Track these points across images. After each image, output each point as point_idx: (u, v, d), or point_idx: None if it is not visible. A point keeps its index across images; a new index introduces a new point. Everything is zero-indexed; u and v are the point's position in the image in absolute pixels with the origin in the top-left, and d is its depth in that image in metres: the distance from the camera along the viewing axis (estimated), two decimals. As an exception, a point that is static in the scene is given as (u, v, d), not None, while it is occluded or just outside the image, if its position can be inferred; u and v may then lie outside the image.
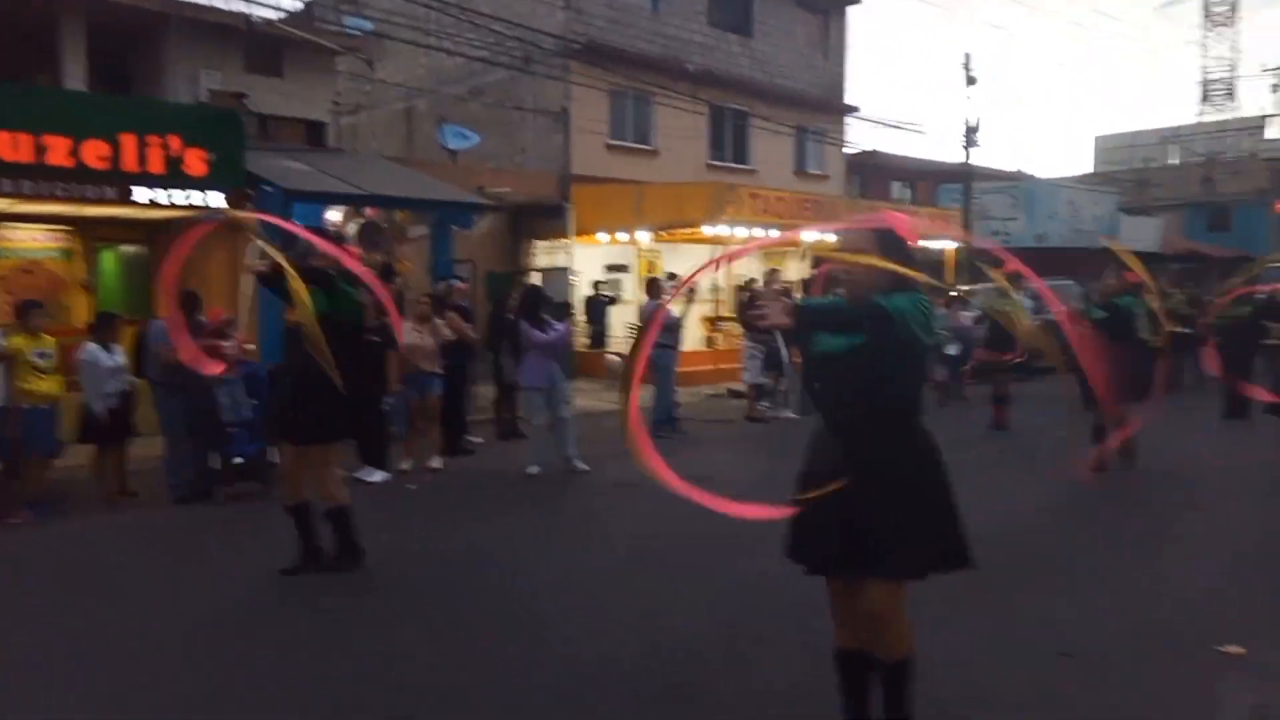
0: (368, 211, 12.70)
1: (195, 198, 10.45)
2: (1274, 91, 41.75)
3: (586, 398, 13.16)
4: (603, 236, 17.06)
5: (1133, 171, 40.50)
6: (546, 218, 17.09)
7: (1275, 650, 4.05)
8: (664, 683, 3.87)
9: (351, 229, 12.47)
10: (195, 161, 10.54)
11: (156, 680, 4.02)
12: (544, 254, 17.36)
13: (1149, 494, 7.40)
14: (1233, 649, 4.05)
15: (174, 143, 10.39)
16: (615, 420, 11.97)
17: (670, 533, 6.49)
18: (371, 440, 8.46)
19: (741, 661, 4.11)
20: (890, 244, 2.98)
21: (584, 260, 17.13)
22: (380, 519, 6.75)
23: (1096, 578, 5.20)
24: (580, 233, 16.87)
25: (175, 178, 10.32)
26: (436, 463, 8.85)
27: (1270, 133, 40.61)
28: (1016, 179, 29.88)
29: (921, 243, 20.58)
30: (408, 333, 8.69)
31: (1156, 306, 13.26)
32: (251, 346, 9.21)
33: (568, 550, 6.08)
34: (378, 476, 8.28)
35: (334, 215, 12.48)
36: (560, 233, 16.92)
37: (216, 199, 10.53)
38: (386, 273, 12.97)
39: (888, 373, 2.91)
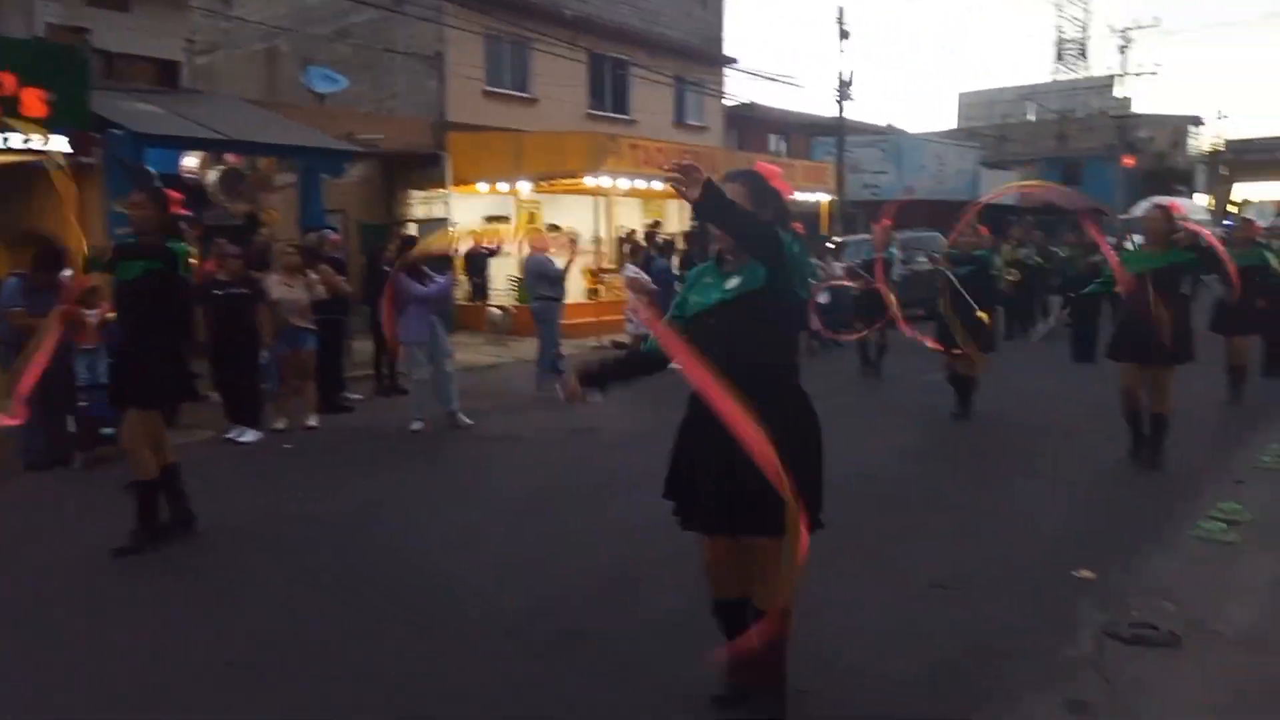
0: (228, 158, 11.98)
1: (35, 141, 9.65)
2: (1121, 52, 44.15)
3: (468, 351, 12.96)
4: (482, 186, 16.69)
5: (993, 127, 42.27)
6: (422, 167, 16.58)
7: (1123, 573, 4.38)
8: (555, 629, 3.89)
9: (211, 177, 11.78)
10: (34, 102, 9.74)
11: None
12: (420, 204, 16.86)
13: (1005, 435, 7.84)
14: (1085, 573, 4.36)
15: (8, 81, 9.55)
16: (497, 374, 11.99)
17: (554, 484, 6.51)
18: (242, 398, 8.10)
19: (629, 603, 4.17)
20: (761, 194, 2.96)
21: (462, 211, 16.73)
22: (255, 480, 6.51)
23: (960, 514, 5.48)
24: (458, 182, 16.46)
25: (11, 119, 9.50)
26: (313, 420, 8.55)
27: (1118, 91, 42.96)
28: (887, 134, 30.76)
29: (795, 195, 21.00)
30: (276, 286, 8.32)
31: (1009, 258, 14.11)
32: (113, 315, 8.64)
33: (453, 505, 6.01)
34: (250, 436, 7.96)
35: (191, 161, 11.74)
36: (437, 182, 16.46)
37: (59, 142, 9.76)
38: (251, 223, 12.42)
39: (769, 323, 2.91)
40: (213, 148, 11.64)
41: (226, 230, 11.45)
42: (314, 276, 8.76)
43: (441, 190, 16.35)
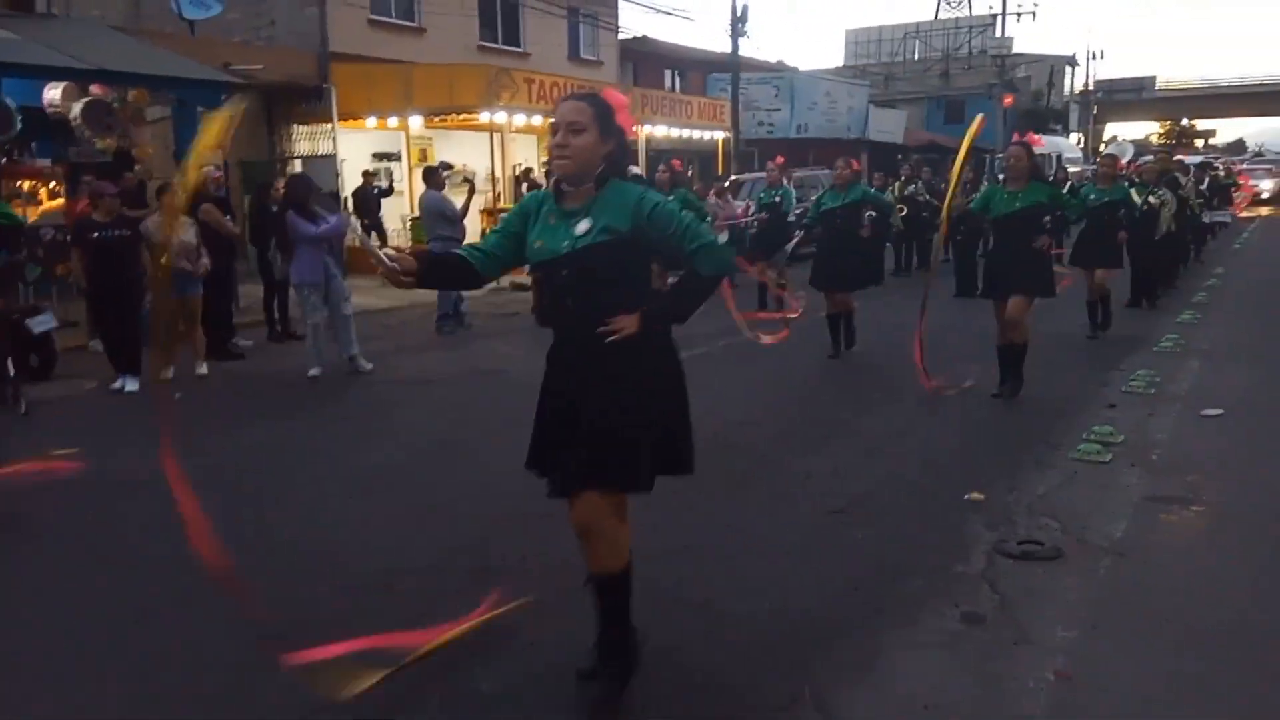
0: (94, 89, 11.19)
1: None
2: (1001, -8, 45.14)
3: (363, 295, 12.60)
4: (370, 121, 16.08)
5: (881, 66, 42.95)
6: (305, 100, 15.82)
7: (1009, 494, 4.66)
8: (463, 569, 3.91)
9: (76, 110, 11.00)
10: None
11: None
12: (304, 140, 16.14)
13: (892, 368, 8.14)
14: (975, 495, 4.63)
15: None
16: (395, 318, 11.75)
17: (459, 426, 6.48)
18: (126, 346, 7.73)
19: (535, 541, 4.21)
20: (607, 121, 2.73)
21: (350, 147, 16.09)
22: (137, 430, 6.24)
23: (854, 444, 5.71)
24: (344, 117, 15.79)
25: None
26: (202, 369, 8.22)
27: (999, 31, 44.13)
28: (780, 71, 30.91)
29: (691, 132, 20.98)
30: (156, 227, 7.90)
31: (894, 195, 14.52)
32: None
33: (355, 451, 5.91)
34: (133, 385, 7.62)
35: (53, 93, 10.93)
36: (322, 117, 15.76)
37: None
38: (123, 160, 11.69)
39: (628, 272, 2.74)
40: (77, 78, 10.84)
41: (95, 168, 10.77)
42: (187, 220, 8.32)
43: (327, 125, 15.67)
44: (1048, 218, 6.60)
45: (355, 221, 11.07)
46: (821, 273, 8.41)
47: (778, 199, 11.19)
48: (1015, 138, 6.87)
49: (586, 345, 2.72)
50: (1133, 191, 10.27)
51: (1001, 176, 7.08)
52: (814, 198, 12.67)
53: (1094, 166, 14.92)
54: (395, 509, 4.75)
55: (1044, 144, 8.10)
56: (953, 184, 7.06)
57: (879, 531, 4.25)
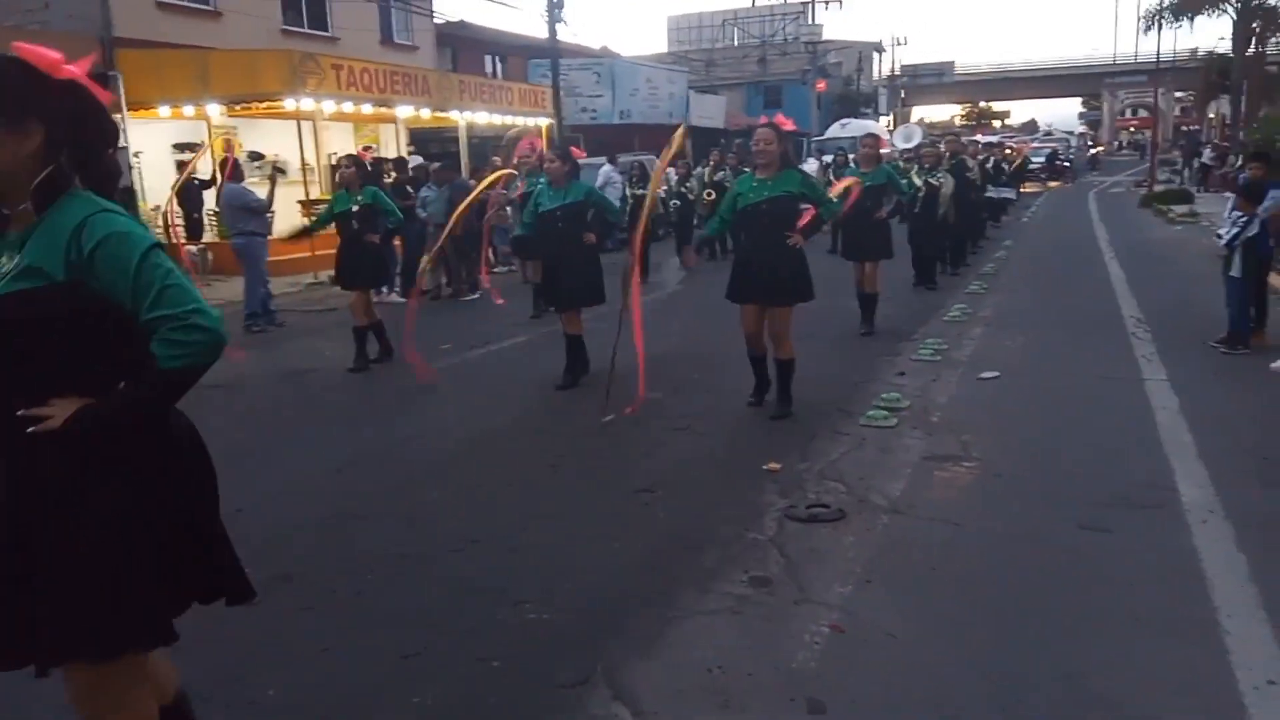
0: None
1: None
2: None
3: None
4: (163, 110, 15.09)
5: (701, 52, 43.91)
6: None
7: (802, 461, 4.93)
8: (269, 574, 3.77)
9: None
10: None
11: None
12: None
13: (699, 351, 8.40)
14: (772, 465, 4.86)
15: None
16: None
17: (265, 428, 6.24)
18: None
19: (341, 541, 4.14)
20: (26, 99, 1.82)
21: (145, 138, 15.05)
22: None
23: (658, 427, 5.87)
24: (133, 106, 14.75)
25: None
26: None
27: (810, 18, 45.98)
28: (601, 57, 31.08)
29: (513, 118, 20.80)
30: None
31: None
32: None
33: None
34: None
35: None
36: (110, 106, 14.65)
37: None
38: None
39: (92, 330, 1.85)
40: None
41: None
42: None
43: (115, 116, 14.57)
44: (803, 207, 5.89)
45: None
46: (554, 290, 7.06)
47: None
48: (762, 120, 5.91)
49: (9, 444, 1.85)
50: (913, 174, 10.79)
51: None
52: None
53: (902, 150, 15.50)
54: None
55: (793, 125, 7.73)
56: (653, 185, 7.01)
57: (680, 508, 4.40)
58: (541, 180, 7.47)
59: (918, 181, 10.62)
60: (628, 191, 13.62)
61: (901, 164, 16.89)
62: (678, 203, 15.06)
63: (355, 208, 7.85)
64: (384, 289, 10.67)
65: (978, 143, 17.12)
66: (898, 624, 3.22)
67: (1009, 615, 3.26)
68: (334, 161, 16.98)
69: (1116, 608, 3.29)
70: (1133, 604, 3.31)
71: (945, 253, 12.13)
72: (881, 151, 9.30)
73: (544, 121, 22.33)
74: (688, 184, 15.19)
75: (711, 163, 15.91)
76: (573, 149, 7.48)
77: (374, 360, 7.82)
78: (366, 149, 17.52)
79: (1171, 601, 3.33)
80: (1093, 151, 47.21)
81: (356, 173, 8.02)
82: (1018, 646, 3.05)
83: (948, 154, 12.33)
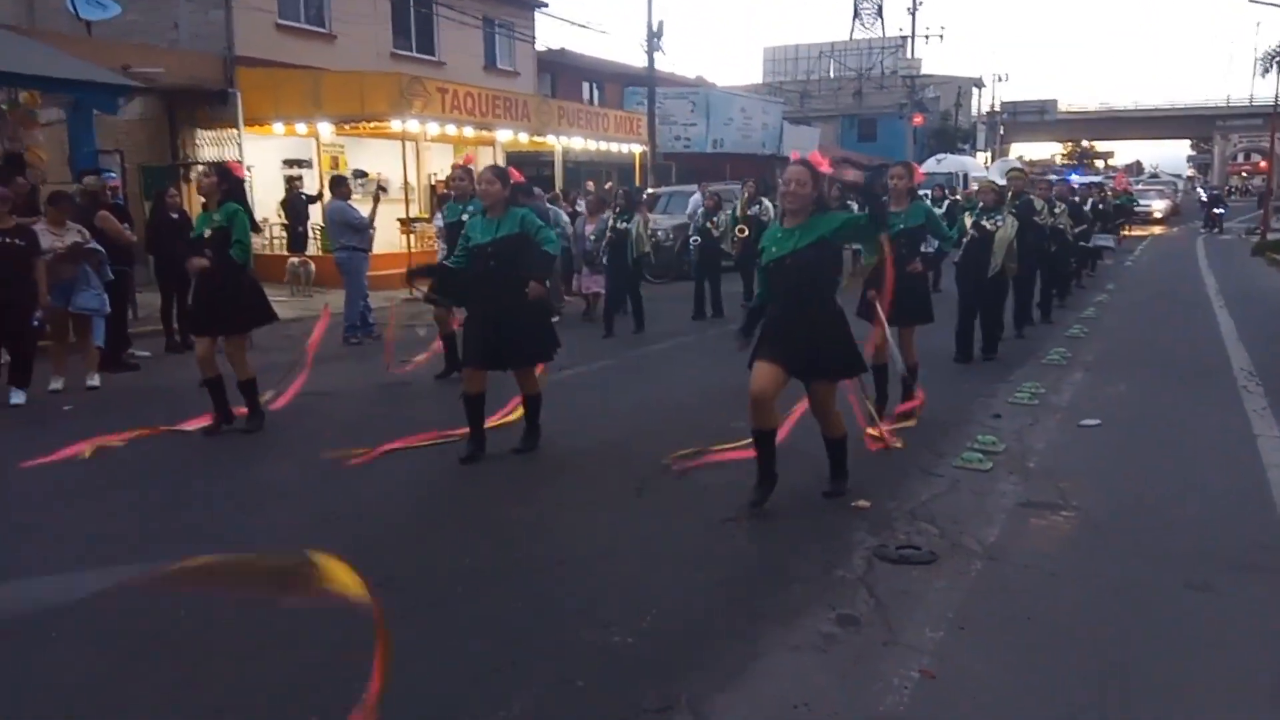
0: (-19, 90, 10.71)
1: None
2: (910, 14, 46.69)
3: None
4: (278, 127, 15.79)
5: (796, 83, 43.90)
6: (210, 104, 15.46)
7: (892, 501, 4.84)
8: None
9: (-39, 110, 10.51)
10: None
11: None
12: (209, 145, 15.75)
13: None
14: (861, 503, 4.79)
15: None
16: (299, 328, 11.48)
17: (363, 437, 6.41)
18: (16, 358, 7.43)
19: (430, 552, 4.22)
20: None
21: (258, 153, 15.78)
22: (24, 443, 6.02)
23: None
24: (250, 122, 15.49)
25: None
26: (94, 380, 7.96)
27: (910, 52, 45.57)
28: (696, 86, 31.33)
29: (608, 144, 21.09)
30: (43, 235, 7.63)
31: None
32: None
33: (256, 462, 5.81)
34: (19, 397, 7.33)
35: (-65, 93, 10.45)
36: (227, 121, 15.41)
37: None
38: (14, 164, 11.22)
39: None
40: (-39, 78, 10.39)
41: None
42: (75, 226, 8.05)
43: (232, 130, 15.33)
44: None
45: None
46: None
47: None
48: (793, 157, 4.81)
49: None
50: (965, 215, 8.86)
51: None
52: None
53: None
54: (284, 524, 4.69)
55: (830, 168, 5.16)
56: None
57: (767, 539, 4.37)
58: (471, 208, 6.88)
59: (967, 223, 8.64)
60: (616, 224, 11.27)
61: (960, 200, 15.60)
62: (698, 239, 13.13)
63: (208, 231, 6.28)
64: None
65: (1049, 181, 13.66)
66: (990, 673, 3.13)
67: (1108, 672, 3.14)
68: (434, 181, 17.53)
69: (1223, 673, 3.14)
70: (1241, 670, 3.16)
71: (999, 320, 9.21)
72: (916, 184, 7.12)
73: (637, 148, 22.61)
74: (715, 218, 12.75)
75: (746, 194, 13.10)
76: (511, 170, 6.03)
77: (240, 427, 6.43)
78: (467, 160, 17.96)
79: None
80: (1215, 192, 41.56)
81: (217, 184, 6.31)
82: (1115, 706, 2.94)
83: (1011, 192, 9.71)
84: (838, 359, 4.72)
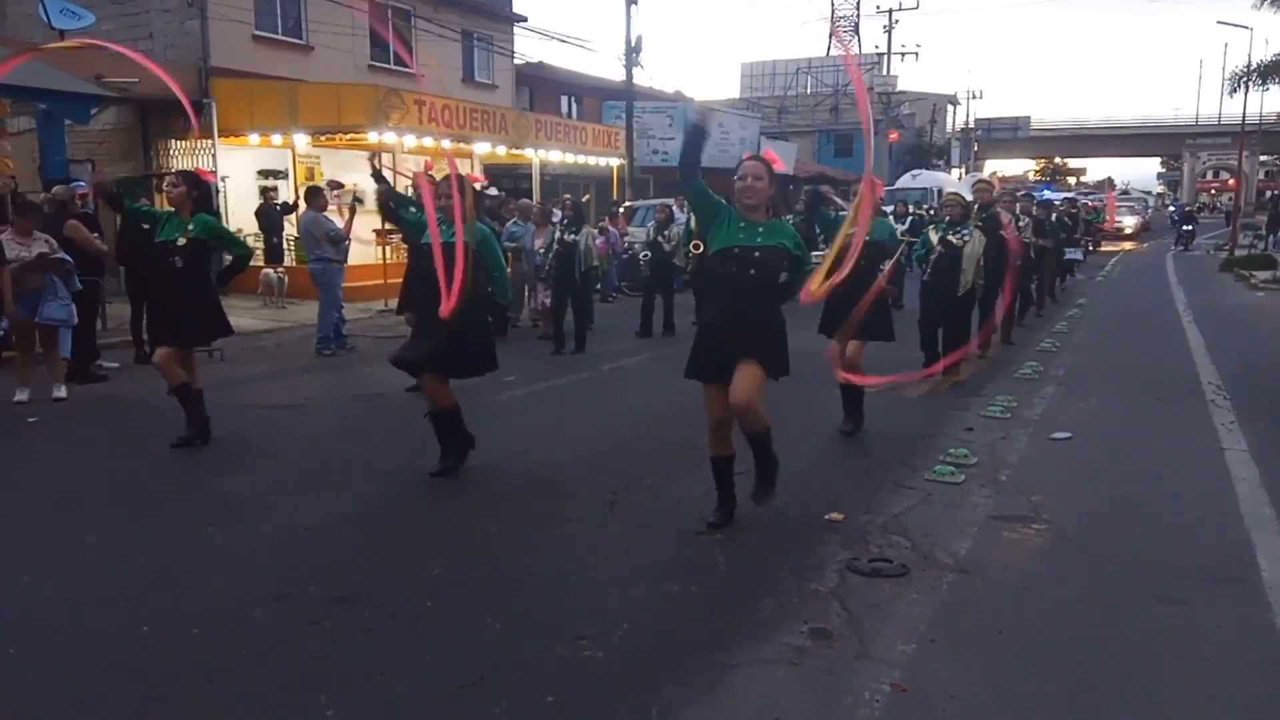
0: (-51, 98, 10.58)
1: None
2: (886, 31, 47.14)
3: (241, 316, 12.24)
4: (253, 138, 15.70)
5: (773, 99, 44.20)
6: (183, 115, 15.30)
7: (867, 513, 4.86)
8: (331, 594, 3.84)
9: (-72, 118, 10.37)
10: None
11: None
12: (183, 155, 15.62)
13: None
14: (834, 516, 4.80)
15: None
16: (273, 339, 11.42)
17: (332, 451, 6.35)
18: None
19: (402, 566, 4.19)
20: None
21: (232, 164, 15.66)
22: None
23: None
24: (225, 133, 15.37)
25: None
26: (61, 392, 7.84)
27: (885, 70, 45.98)
28: (675, 101, 31.45)
29: (586, 158, 21.11)
30: (9, 245, 7.53)
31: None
32: None
33: (219, 476, 5.73)
34: (-17, 410, 7.21)
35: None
36: (202, 132, 15.29)
37: None
38: (-20, 172, 11.08)
39: None
40: (-72, 85, 10.25)
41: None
42: (42, 236, 7.96)
43: (207, 141, 15.21)
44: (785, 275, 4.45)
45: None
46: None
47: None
48: (745, 156, 4.74)
49: None
50: (930, 229, 8.72)
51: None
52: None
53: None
54: (255, 536, 4.63)
55: (783, 166, 5.33)
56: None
57: (739, 553, 4.36)
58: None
59: (933, 239, 8.44)
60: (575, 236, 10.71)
61: (926, 215, 15.53)
62: (648, 254, 12.86)
63: (181, 240, 6.11)
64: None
65: (1014, 195, 13.06)
66: (961, 686, 3.13)
67: (1077, 685, 3.16)
68: (410, 193, 17.43)
69: (1191, 685, 3.17)
70: (1209, 682, 3.18)
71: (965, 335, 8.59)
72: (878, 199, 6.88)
73: (615, 161, 22.65)
74: (666, 232, 12.20)
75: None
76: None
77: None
78: (428, 167, 17.93)
79: (1250, 681, 3.20)
80: (1187, 208, 41.55)
81: (187, 192, 6.19)
82: (1086, 718, 2.95)
83: (976, 205, 9.21)
84: (768, 345, 4.41)
